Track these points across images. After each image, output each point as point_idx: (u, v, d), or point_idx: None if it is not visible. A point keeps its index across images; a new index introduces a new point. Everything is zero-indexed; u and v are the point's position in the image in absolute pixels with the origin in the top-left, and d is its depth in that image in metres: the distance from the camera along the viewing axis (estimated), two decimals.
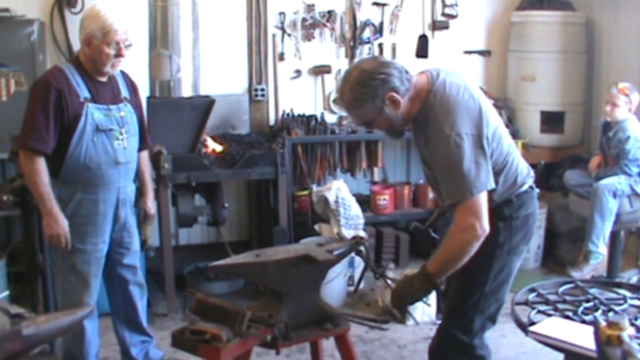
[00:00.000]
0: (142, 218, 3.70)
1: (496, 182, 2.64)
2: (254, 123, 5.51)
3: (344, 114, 5.63)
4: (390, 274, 4.69)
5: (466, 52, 5.93)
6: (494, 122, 2.68)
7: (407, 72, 2.62)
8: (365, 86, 2.55)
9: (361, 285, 4.95)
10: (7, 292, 4.16)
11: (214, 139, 4.93)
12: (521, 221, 2.75)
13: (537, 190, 2.89)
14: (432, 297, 3.90)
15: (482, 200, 2.52)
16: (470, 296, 2.76)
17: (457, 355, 2.83)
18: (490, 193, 2.63)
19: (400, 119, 2.65)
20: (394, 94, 2.57)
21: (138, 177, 3.60)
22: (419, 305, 4.41)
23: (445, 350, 2.95)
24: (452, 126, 2.53)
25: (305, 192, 5.19)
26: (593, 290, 3.15)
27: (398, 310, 2.70)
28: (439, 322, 3.29)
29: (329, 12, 5.52)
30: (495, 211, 2.68)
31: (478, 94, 2.70)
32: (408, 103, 2.62)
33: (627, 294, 3.11)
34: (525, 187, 2.77)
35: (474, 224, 2.50)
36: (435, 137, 2.57)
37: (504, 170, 2.70)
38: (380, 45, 5.67)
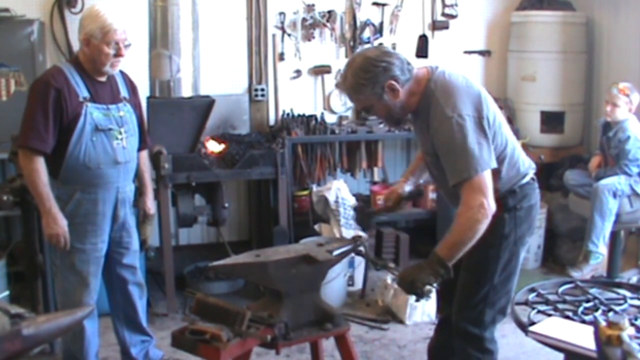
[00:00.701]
0: (142, 218, 3.70)
1: (499, 171, 2.70)
2: (254, 123, 5.50)
3: (344, 113, 5.64)
4: (393, 266, 4.70)
5: (466, 52, 5.93)
6: (494, 108, 2.74)
7: (409, 63, 2.69)
8: (367, 72, 2.63)
9: (362, 285, 4.99)
10: (7, 292, 4.15)
11: (214, 139, 4.93)
12: (525, 212, 2.80)
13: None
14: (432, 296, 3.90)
15: (487, 178, 2.56)
16: (479, 289, 2.79)
17: (466, 347, 2.84)
18: (496, 182, 2.68)
19: (399, 107, 2.71)
20: (394, 83, 2.64)
21: (137, 177, 3.60)
22: (419, 305, 4.43)
23: (449, 347, 2.97)
24: (453, 108, 2.59)
25: (305, 192, 5.19)
26: (593, 290, 3.15)
27: (413, 294, 2.66)
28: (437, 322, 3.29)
29: (329, 12, 5.52)
30: (500, 202, 2.72)
31: (477, 84, 2.78)
32: (408, 93, 2.69)
33: (627, 294, 3.11)
34: (527, 179, 2.83)
35: (482, 202, 2.53)
36: (437, 120, 2.62)
37: (506, 158, 2.75)
38: (380, 45, 5.66)
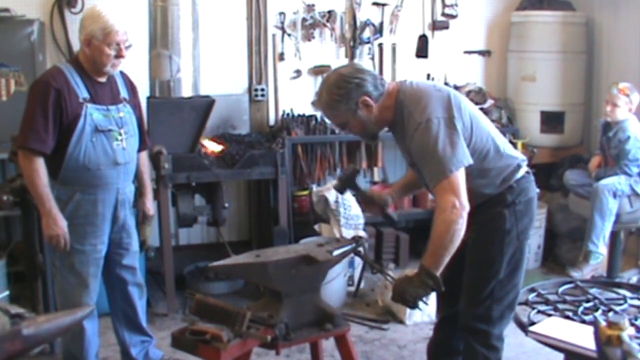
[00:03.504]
0: (141, 219, 3.70)
1: (487, 164, 2.76)
2: (254, 123, 5.50)
3: None
4: (389, 273, 4.70)
5: (466, 52, 5.93)
6: (469, 107, 2.80)
7: (381, 79, 2.78)
8: (340, 88, 2.70)
9: (362, 285, 4.99)
10: (7, 292, 4.15)
11: (213, 140, 4.93)
12: (524, 206, 2.83)
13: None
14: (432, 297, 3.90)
15: (460, 177, 2.60)
16: (486, 285, 2.81)
17: (473, 343, 2.85)
18: (486, 174, 2.75)
19: (373, 122, 2.78)
20: (367, 98, 2.71)
21: (137, 177, 3.59)
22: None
23: (448, 346, 2.99)
24: (422, 113, 2.66)
25: (305, 192, 5.19)
26: (593, 290, 3.15)
27: (403, 304, 2.72)
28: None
29: (329, 12, 5.52)
30: (498, 198, 2.79)
31: (448, 88, 2.84)
32: (381, 108, 2.76)
33: (627, 294, 3.12)
34: (522, 172, 2.86)
35: (453, 202, 2.57)
36: (410, 129, 2.68)
37: (490, 150, 2.79)
38: (380, 45, 5.67)
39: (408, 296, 2.65)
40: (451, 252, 2.59)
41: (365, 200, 3.24)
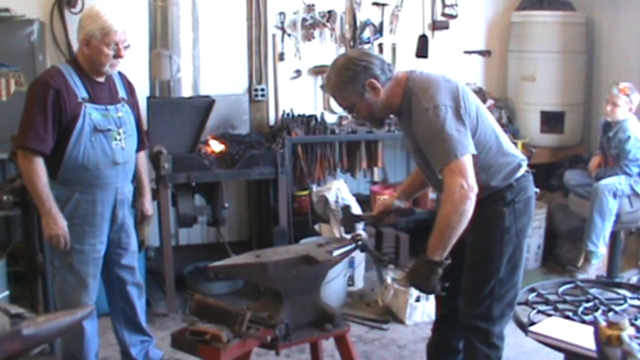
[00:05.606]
0: (140, 219, 3.69)
1: (489, 159, 2.78)
2: (254, 123, 5.51)
3: (343, 113, 5.63)
4: (390, 273, 4.71)
5: (466, 52, 5.93)
6: (475, 101, 2.82)
7: (389, 64, 2.81)
8: (348, 70, 2.74)
9: (362, 285, 5.00)
10: (7, 292, 4.15)
11: (214, 139, 4.93)
12: (523, 204, 2.85)
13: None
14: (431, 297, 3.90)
15: (467, 162, 2.62)
16: (486, 284, 2.82)
17: (473, 341, 2.86)
18: (488, 170, 2.76)
19: (380, 106, 2.80)
20: (374, 81, 2.74)
21: (136, 177, 3.59)
22: (419, 305, 4.44)
23: (446, 345, 2.99)
24: (430, 100, 2.68)
25: (305, 192, 5.19)
26: (593, 290, 3.15)
27: (425, 294, 2.80)
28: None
29: (329, 12, 5.52)
30: (498, 196, 2.81)
31: (457, 80, 2.86)
32: (389, 93, 2.79)
33: (627, 294, 3.11)
34: (522, 172, 2.88)
35: (461, 183, 2.58)
36: (417, 115, 2.70)
37: (493, 146, 2.81)
38: (380, 45, 5.67)
39: (424, 287, 2.72)
40: (458, 234, 2.61)
41: (379, 220, 3.26)
